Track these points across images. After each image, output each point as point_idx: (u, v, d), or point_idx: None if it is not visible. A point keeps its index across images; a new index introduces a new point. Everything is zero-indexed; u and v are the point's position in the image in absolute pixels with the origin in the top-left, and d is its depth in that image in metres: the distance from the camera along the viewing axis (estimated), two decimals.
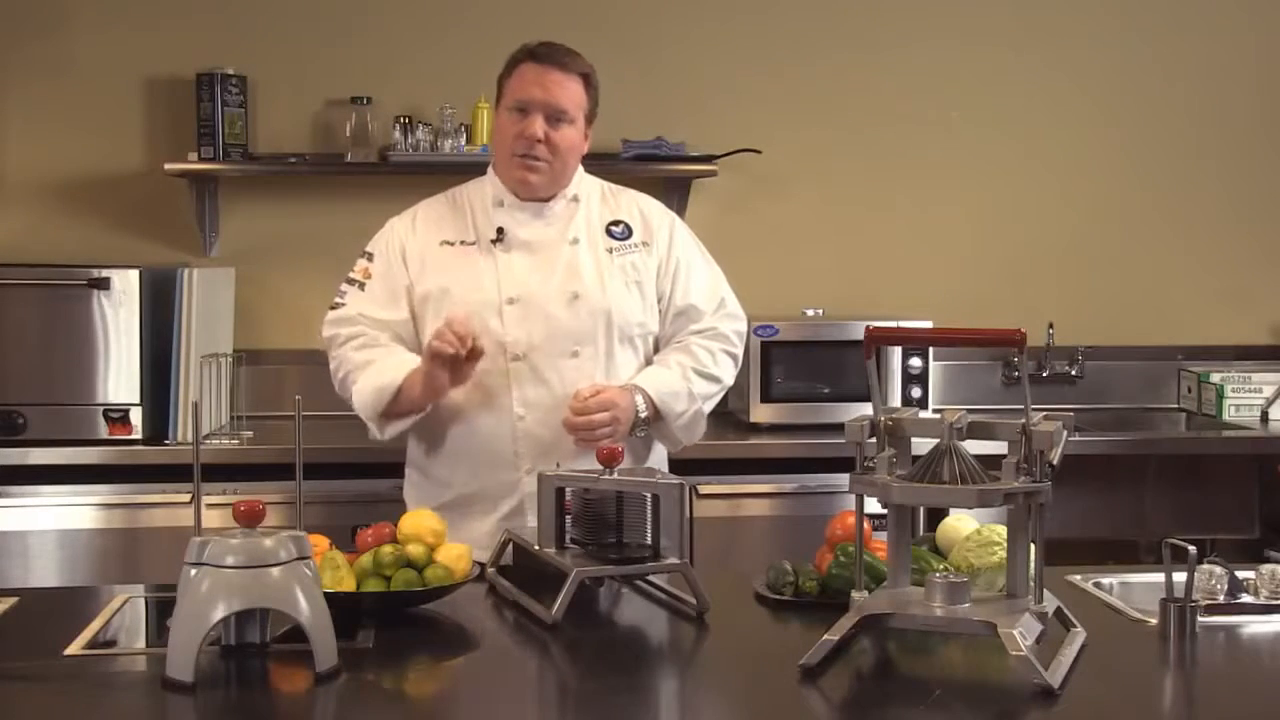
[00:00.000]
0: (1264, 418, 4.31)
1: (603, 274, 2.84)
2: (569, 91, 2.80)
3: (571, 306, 2.81)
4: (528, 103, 2.78)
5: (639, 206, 2.96)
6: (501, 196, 2.87)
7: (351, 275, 2.89)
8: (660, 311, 2.91)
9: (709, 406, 2.92)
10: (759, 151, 4.39)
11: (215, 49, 4.26)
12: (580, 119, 2.83)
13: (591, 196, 2.93)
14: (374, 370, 2.78)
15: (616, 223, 2.91)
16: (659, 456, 2.96)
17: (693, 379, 2.86)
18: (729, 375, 2.95)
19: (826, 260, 4.51)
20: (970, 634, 1.99)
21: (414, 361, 2.76)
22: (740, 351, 2.98)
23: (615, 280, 2.84)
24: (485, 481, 2.82)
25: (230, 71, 4.17)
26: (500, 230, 2.84)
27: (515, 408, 2.79)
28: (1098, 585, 2.41)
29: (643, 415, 2.79)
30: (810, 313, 4.26)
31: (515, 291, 2.81)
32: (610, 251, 2.87)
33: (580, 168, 2.94)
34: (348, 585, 2.20)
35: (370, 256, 2.90)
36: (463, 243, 2.86)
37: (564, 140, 2.80)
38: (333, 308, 2.89)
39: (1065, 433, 2.02)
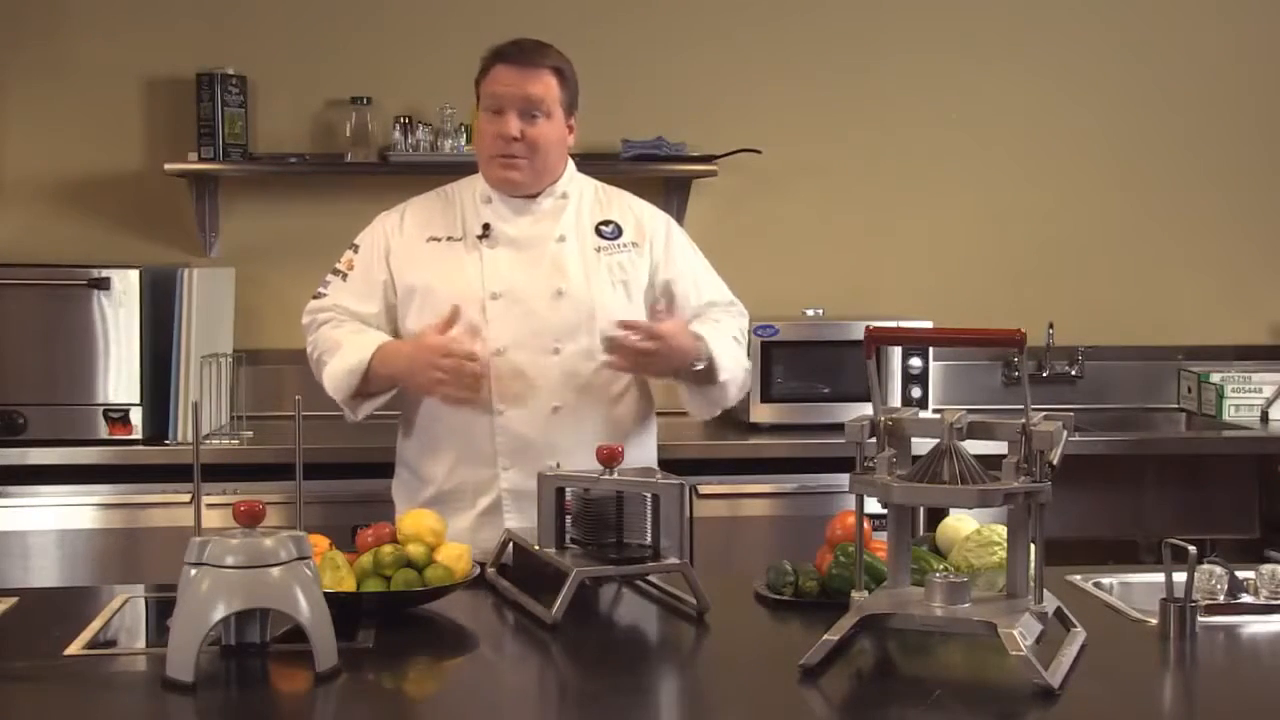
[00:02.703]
0: (1264, 418, 4.31)
1: (589, 272, 2.84)
2: (540, 85, 2.80)
3: (555, 303, 2.81)
4: (500, 101, 2.79)
5: (632, 208, 2.96)
6: (489, 193, 2.88)
7: (337, 266, 2.93)
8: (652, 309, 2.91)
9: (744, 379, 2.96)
10: (759, 151, 4.38)
11: (215, 49, 4.26)
12: (557, 111, 2.82)
13: (584, 195, 2.93)
14: (342, 352, 2.81)
15: (606, 222, 2.91)
16: (648, 458, 2.96)
17: (741, 343, 2.91)
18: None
19: (826, 260, 4.51)
20: (970, 634, 1.99)
21: (380, 339, 2.81)
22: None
23: (601, 279, 2.84)
24: (464, 477, 2.83)
25: (230, 71, 4.17)
26: (486, 226, 2.85)
27: (495, 403, 2.79)
28: (1098, 585, 2.41)
29: (698, 368, 2.79)
30: (810, 313, 4.26)
31: (499, 287, 2.81)
32: (598, 250, 2.87)
33: (572, 165, 2.94)
34: (348, 585, 2.20)
35: (356, 249, 2.93)
36: (450, 238, 2.87)
37: (541, 135, 2.80)
38: (315, 297, 2.93)
39: (1065, 433, 2.02)
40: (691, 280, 2.93)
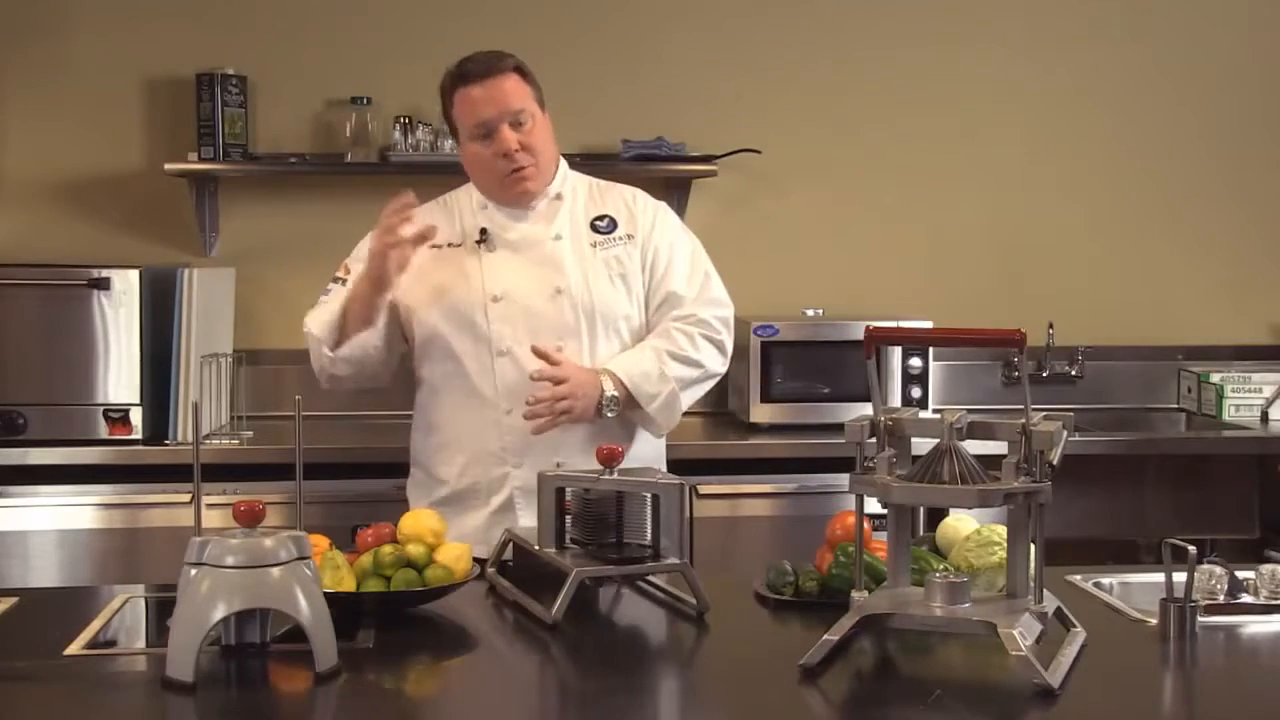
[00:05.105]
0: (1264, 418, 4.31)
1: (586, 269, 2.86)
2: (514, 91, 2.82)
3: (555, 302, 2.83)
4: (488, 123, 2.81)
5: (625, 200, 2.97)
6: (485, 200, 2.90)
7: (338, 274, 2.95)
8: (645, 301, 2.91)
9: (691, 393, 2.91)
10: (759, 151, 4.38)
11: (215, 49, 4.26)
12: (536, 110, 2.86)
13: (578, 192, 2.96)
14: (321, 309, 2.87)
15: (601, 217, 2.93)
16: (657, 454, 2.96)
17: (666, 361, 2.85)
18: (712, 361, 2.92)
19: (826, 260, 4.51)
20: (970, 634, 1.99)
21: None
22: (726, 338, 2.94)
23: (599, 275, 2.86)
24: (475, 477, 2.86)
25: (230, 71, 4.17)
26: (484, 231, 2.88)
27: (501, 403, 2.81)
28: (1098, 585, 2.41)
29: (610, 394, 2.77)
30: (810, 313, 4.25)
31: (499, 289, 2.83)
32: (594, 246, 2.88)
33: (564, 164, 2.96)
34: (348, 585, 2.20)
35: (360, 258, 2.92)
36: (450, 245, 2.90)
37: (535, 138, 2.84)
38: (319, 305, 2.93)
39: (1065, 433, 2.02)
40: (664, 264, 2.92)
